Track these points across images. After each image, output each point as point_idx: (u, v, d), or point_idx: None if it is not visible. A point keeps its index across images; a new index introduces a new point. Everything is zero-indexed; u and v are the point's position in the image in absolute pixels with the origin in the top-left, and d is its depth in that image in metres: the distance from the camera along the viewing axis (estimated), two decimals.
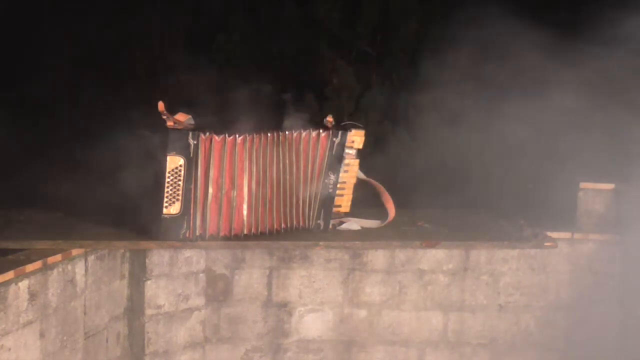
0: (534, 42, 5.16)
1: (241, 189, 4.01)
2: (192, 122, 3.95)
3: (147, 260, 4.39)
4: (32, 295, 3.72)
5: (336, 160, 4.17)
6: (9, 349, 3.60)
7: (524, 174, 5.08)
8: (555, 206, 4.72)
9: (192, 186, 3.91)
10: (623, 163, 4.62)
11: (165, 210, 3.90)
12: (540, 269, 4.66)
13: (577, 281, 4.66)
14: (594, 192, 4.65)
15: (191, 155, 3.88)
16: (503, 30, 5.08)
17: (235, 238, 4.05)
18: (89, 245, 4.03)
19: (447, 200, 4.88)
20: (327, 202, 4.21)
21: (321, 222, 4.22)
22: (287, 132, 4.06)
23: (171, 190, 3.89)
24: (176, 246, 4.03)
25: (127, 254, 4.41)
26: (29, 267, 3.70)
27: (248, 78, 4.91)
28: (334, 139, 4.14)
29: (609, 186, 4.64)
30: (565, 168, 4.82)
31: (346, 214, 4.31)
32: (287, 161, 4.09)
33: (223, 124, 4.02)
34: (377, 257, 4.64)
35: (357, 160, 4.23)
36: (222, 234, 4.02)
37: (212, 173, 3.94)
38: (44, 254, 3.82)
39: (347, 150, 4.18)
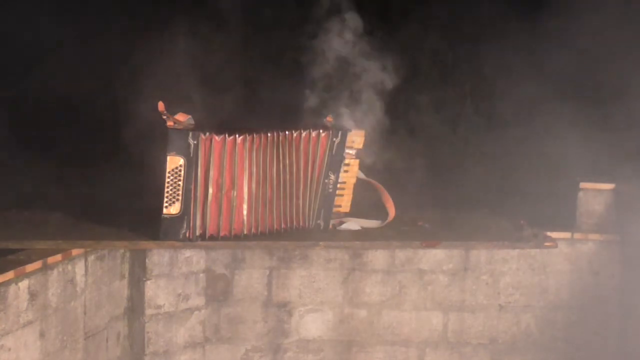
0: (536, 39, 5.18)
1: (241, 189, 4.01)
2: (192, 122, 3.95)
3: (147, 260, 4.39)
4: (32, 295, 3.71)
5: (336, 160, 4.17)
6: (9, 349, 3.59)
7: (524, 173, 5.09)
8: (555, 206, 4.72)
9: (192, 186, 3.91)
10: (623, 163, 4.62)
11: (165, 210, 3.90)
12: (540, 269, 4.66)
13: (577, 281, 4.66)
14: (594, 192, 4.65)
15: (191, 155, 3.88)
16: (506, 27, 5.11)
17: (235, 238, 4.05)
18: (89, 245, 4.02)
19: (446, 200, 4.89)
20: (327, 202, 4.20)
21: (321, 222, 4.22)
22: (287, 132, 4.06)
23: (171, 190, 3.89)
24: (176, 246, 4.03)
25: (127, 254, 4.41)
26: (29, 267, 3.70)
27: None
28: (334, 139, 4.14)
29: (609, 186, 4.64)
30: (564, 168, 4.83)
31: (346, 214, 4.30)
32: (287, 161, 4.09)
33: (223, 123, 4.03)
34: (377, 257, 4.64)
35: (357, 160, 4.23)
36: (222, 234, 4.02)
37: (212, 173, 3.94)
38: (44, 254, 3.82)
39: (347, 150, 4.18)
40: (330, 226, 4.25)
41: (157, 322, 4.44)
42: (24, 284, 3.67)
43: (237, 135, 3.95)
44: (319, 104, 4.40)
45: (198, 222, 3.95)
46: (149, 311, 4.42)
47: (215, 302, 4.60)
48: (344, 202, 4.27)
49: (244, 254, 4.59)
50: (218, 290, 4.60)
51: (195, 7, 5.24)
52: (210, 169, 3.93)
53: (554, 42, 5.28)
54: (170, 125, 3.86)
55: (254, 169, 4.02)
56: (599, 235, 4.63)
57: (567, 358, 4.69)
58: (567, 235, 4.63)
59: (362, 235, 4.26)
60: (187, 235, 3.94)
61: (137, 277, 4.42)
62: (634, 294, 4.52)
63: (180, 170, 3.88)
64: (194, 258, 4.53)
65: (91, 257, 4.11)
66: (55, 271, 3.86)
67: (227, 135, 3.93)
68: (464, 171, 5.15)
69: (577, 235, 4.64)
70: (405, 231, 4.33)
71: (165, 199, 3.89)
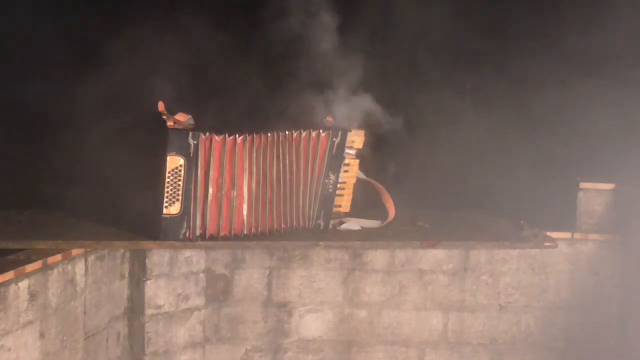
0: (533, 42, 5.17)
1: (241, 189, 4.01)
2: (192, 122, 3.95)
3: (147, 260, 4.39)
4: (32, 295, 3.71)
5: (336, 160, 4.17)
6: (9, 349, 3.59)
7: (523, 174, 5.08)
8: (555, 206, 4.72)
9: (192, 186, 3.91)
10: (623, 163, 4.62)
11: (165, 210, 3.90)
12: (540, 269, 4.66)
13: (577, 281, 4.66)
14: (594, 192, 4.65)
15: (191, 155, 3.88)
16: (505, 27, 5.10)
17: (235, 238, 4.05)
18: (89, 245, 4.02)
19: (446, 200, 4.88)
20: (327, 202, 4.21)
21: (321, 222, 4.22)
22: (287, 132, 4.06)
23: (171, 190, 3.89)
24: (176, 246, 4.03)
25: (127, 254, 4.41)
26: (29, 267, 3.70)
27: None
28: (334, 139, 4.14)
29: (609, 186, 4.64)
30: (565, 168, 4.83)
31: (346, 214, 4.30)
32: (287, 161, 4.09)
33: (223, 123, 4.03)
34: (377, 257, 4.64)
35: (357, 160, 4.24)
36: (222, 234, 4.02)
37: (212, 173, 3.94)
38: (44, 254, 3.82)
39: (347, 150, 4.18)
40: (330, 226, 4.25)
41: (157, 322, 4.44)
42: (24, 284, 3.67)
43: (237, 135, 3.95)
44: (318, 104, 4.39)
45: (198, 222, 3.95)
46: (149, 311, 4.42)
47: (215, 302, 4.60)
48: (344, 202, 4.27)
49: (244, 254, 4.59)
50: (218, 290, 4.60)
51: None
52: (210, 169, 3.93)
53: (551, 42, 5.29)
54: (170, 125, 3.86)
55: (254, 169, 4.02)
56: (599, 235, 4.64)
57: (567, 358, 4.69)
58: (567, 235, 4.63)
59: (362, 235, 4.26)
60: (187, 235, 3.94)
61: (137, 277, 4.42)
62: (634, 294, 4.53)
63: (180, 170, 3.88)
64: (194, 258, 4.53)
65: (91, 257, 4.11)
66: (55, 271, 3.86)
67: (227, 135, 3.93)
68: (464, 171, 5.15)
69: (577, 235, 4.64)
70: (405, 231, 4.33)
71: (165, 199, 3.89)
